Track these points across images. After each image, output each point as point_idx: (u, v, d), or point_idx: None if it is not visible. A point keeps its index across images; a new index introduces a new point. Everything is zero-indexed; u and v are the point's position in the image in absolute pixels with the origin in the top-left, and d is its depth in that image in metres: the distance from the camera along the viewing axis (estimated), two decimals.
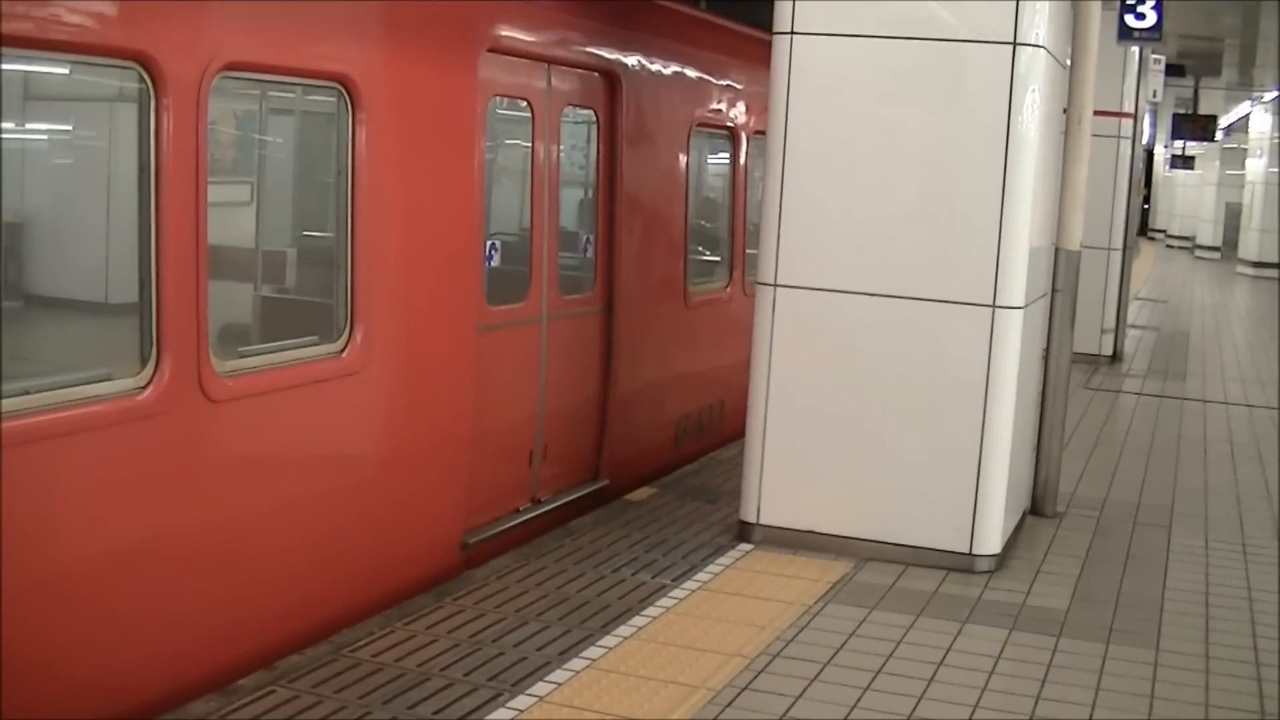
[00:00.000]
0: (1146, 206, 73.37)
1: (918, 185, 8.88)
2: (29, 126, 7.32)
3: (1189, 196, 60.56)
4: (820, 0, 8.96)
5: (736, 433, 9.49)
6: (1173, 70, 29.93)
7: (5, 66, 6.24)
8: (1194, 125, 37.14)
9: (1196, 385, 18.36)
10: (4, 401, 5.80)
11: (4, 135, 6.76)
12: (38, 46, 6.06)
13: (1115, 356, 20.10)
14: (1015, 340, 8.81)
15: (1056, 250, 10.30)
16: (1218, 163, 53.24)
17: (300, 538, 7.60)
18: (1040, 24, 8.75)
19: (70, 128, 7.69)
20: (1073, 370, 14.24)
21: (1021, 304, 8.81)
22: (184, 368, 6.58)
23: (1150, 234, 71.37)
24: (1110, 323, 19.96)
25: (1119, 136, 19.44)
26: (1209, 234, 53.62)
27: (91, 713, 6.28)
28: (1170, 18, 18.61)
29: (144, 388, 6.44)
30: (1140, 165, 23.27)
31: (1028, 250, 8.84)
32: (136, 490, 6.49)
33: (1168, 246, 62.82)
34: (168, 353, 6.50)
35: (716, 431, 12.96)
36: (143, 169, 6.50)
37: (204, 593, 6.95)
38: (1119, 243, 19.78)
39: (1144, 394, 17.26)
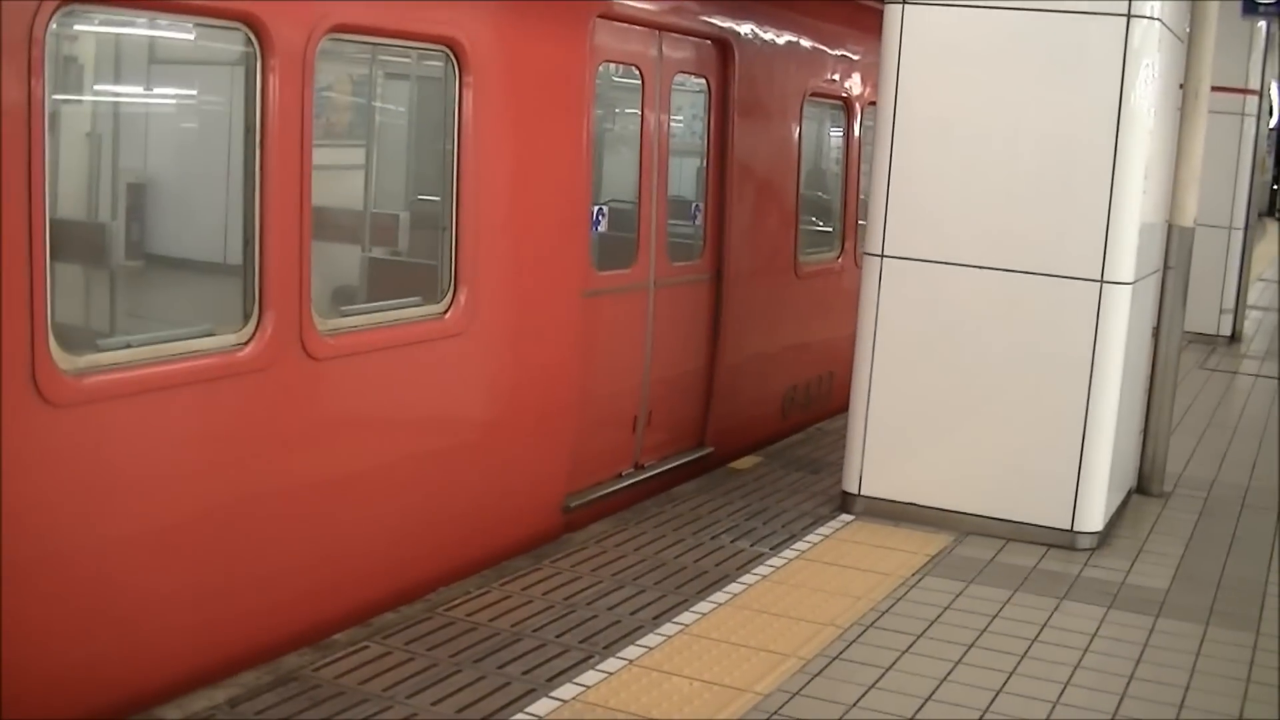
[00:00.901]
0: (1275, 187, 72.29)
1: (1027, 157, 8.80)
2: (154, 89, 7.43)
3: None
4: None
5: (845, 405, 9.46)
6: None
7: (128, 30, 6.37)
8: None
9: None
10: (104, 355, 5.92)
11: (127, 99, 6.89)
12: (148, 6, 6.14)
13: (1234, 337, 19.83)
14: (1123, 316, 8.72)
15: (1170, 226, 10.18)
16: None
17: (400, 497, 7.67)
18: None
19: (194, 91, 7.78)
20: (1189, 350, 14.11)
21: (1130, 280, 8.72)
22: (285, 325, 6.66)
23: (1278, 215, 70.30)
24: (1230, 303, 19.69)
25: (1243, 114, 19.16)
26: None
27: (190, 664, 6.38)
28: None
29: (245, 344, 6.52)
30: (1267, 144, 22.93)
31: (1138, 225, 8.75)
32: (238, 445, 6.58)
33: None
34: (270, 310, 6.58)
35: (825, 403, 12.94)
36: (249, 130, 6.58)
37: (303, 548, 7.03)
38: (1240, 222, 19.51)
39: (1261, 376, 17.02)
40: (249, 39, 6.46)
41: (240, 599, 6.68)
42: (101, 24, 6.49)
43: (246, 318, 6.57)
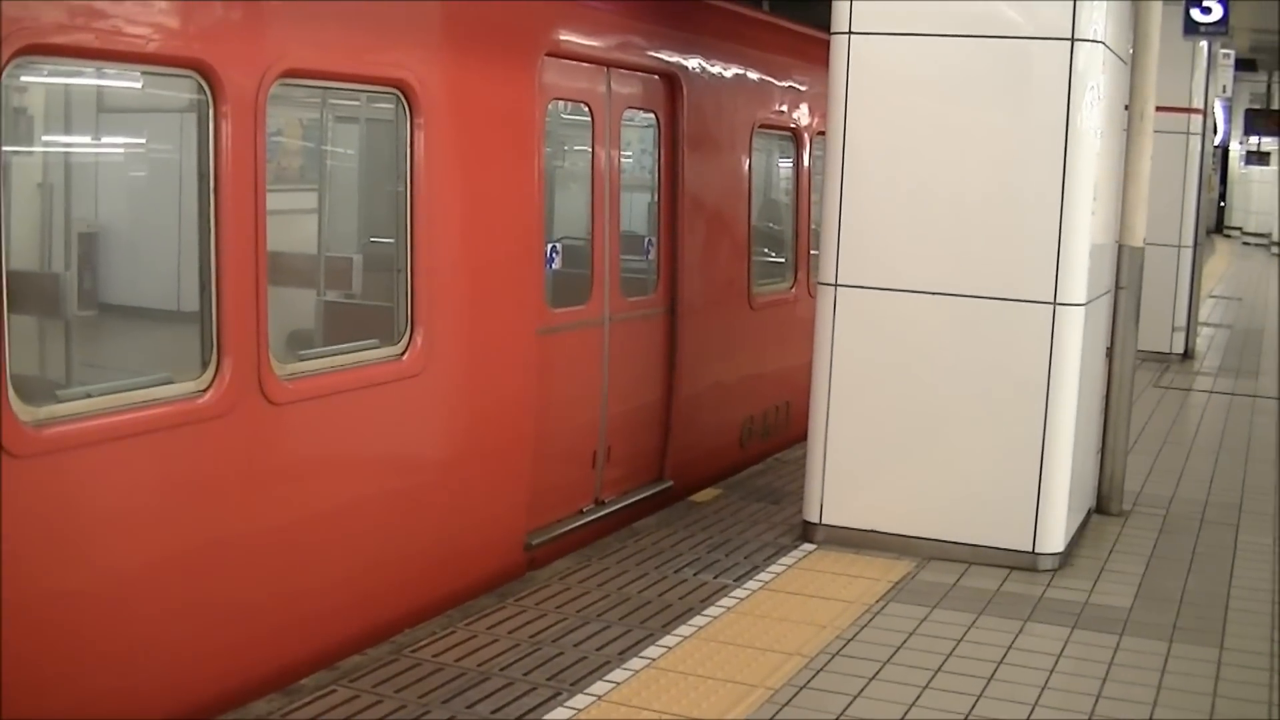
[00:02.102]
0: (1222, 204, 72.79)
1: (977, 183, 8.86)
2: (104, 138, 7.44)
3: (1265, 193, 59.89)
4: (876, 0, 8.96)
5: (803, 434, 9.49)
6: (1244, 65, 29.72)
7: (77, 80, 6.38)
8: (1268, 120, 36.85)
9: (1269, 383, 18.16)
10: (64, 405, 5.91)
11: (77, 148, 6.90)
12: (97, 57, 6.14)
13: (1187, 354, 19.93)
14: (1077, 337, 8.77)
15: (1120, 247, 10.25)
16: None
17: (362, 539, 7.67)
18: (1099, 19, 8.72)
19: (144, 139, 7.79)
20: (1143, 368, 14.19)
21: (1083, 301, 8.78)
22: (244, 371, 6.66)
23: (1226, 231, 70.76)
24: (1181, 320, 19.78)
25: (1188, 133, 19.29)
26: None
27: (155, 711, 6.35)
28: (1240, 12, 18.52)
29: (204, 390, 6.52)
30: (1211, 162, 23.09)
31: (1089, 247, 8.81)
32: (198, 492, 6.56)
33: (1244, 244, 62.18)
34: (228, 356, 6.58)
35: (782, 433, 12.96)
36: (203, 176, 6.58)
37: (268, 593, 7.02)
38: (1189, 240, 19.63)
39: (1215, 392, 17.12)
40: (200, 86, 6.47)
41: (205, 644, 6.66)
42: (50, 75, 6.49)
43: (205, 364, 6.57)
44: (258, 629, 6.98)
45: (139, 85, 6.95)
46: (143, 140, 7.81)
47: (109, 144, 7.66)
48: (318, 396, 7.28)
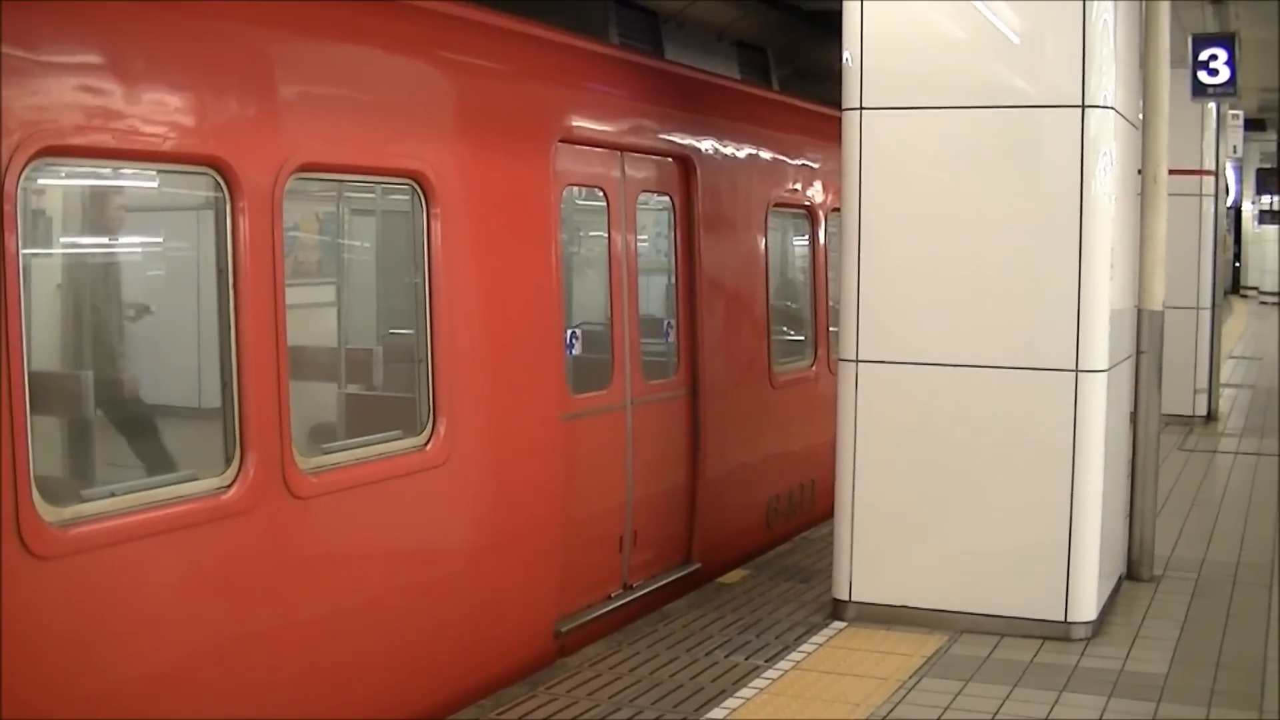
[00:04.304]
0: (1237, 264, 72.74)
1: (994, 253, 8.86)
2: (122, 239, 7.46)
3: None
4: (887, 74, 8.98)
5: (829, 511, 9.46)
6: (1253, 125, 29.75)
7: (93, 182, 6.42)
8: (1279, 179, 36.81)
9: None
10: (90, 505, 5.91)
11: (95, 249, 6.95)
12: (115, 157, 6.18)
13: (1210, 416, 19.85)
14: (1100, 404, 8.75)
15: (1140, 311, 10.23)
16: None
17: (391, 631, 7.64)
18: (1108, 85, 8.73)
19: (161, 238, 7.81)
20: (1166, 432, 14.11)
21: (1105, 367, 8.76)
22: (268, 466, 6.66)
23: (1243, 291, 70.68)
24: (1203, 382, 19.71)
25: (1200, 194, 19.30)
26: None
27: None
28: (1247, 72, 18.51)
29: (229, 486, 6.51)
30: (1226, 222, 23.10)
31: (1108, 313, 8.80)
32: (224, 589, 6.55)
33: (1261, 303, 62.10)
34: (251, 452, 6.58)
35: (808, 511, 12.92)
36: (221, 272, 6.60)
37: (296, 689, 6.98)
38: (1207, 301, 19.61)
39: (1240, 453, 17.05)
40: (217, 183, 6.50)
41: None
42: (68, 176, 6.52)
43: (228, 461, 6.57)
44: None
45: (156, 184, 6.99)
46: (160, 239, 7.83)
47: (127, 243, 7.68)
48: (342, 490, 7.27)
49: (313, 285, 8.61)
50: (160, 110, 6.24)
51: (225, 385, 6.62)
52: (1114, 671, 8.20)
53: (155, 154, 6.30)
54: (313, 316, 8.21)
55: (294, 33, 7.15)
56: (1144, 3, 10.08)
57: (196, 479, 6.52)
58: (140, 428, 7.31)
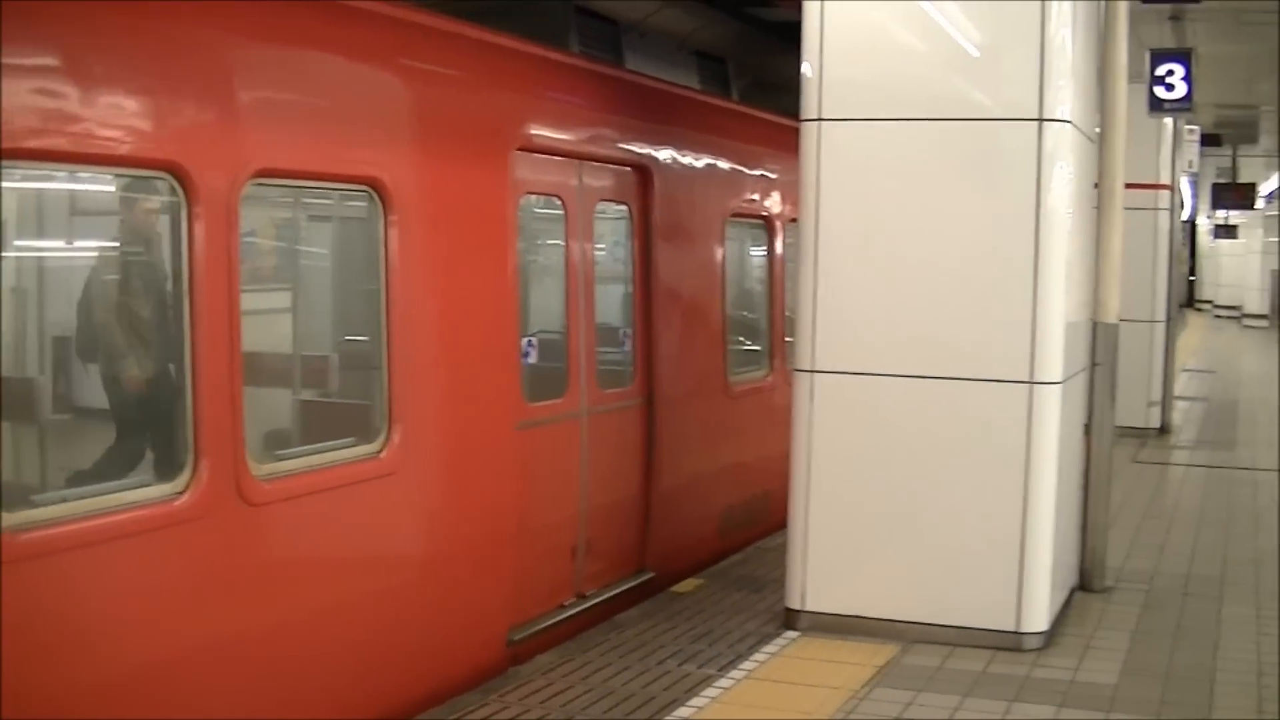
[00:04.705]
0: (1192, 278, 73.12)
1: (950, 265, 8.89)
2: (75, 242, 7.43)
3: (1234, 266, 60.34)
4: (846, 86, 9.01)
5: (783, 522, 9.47)
6: (1209, 140, 29.90)
7: (50, 185, 6.39)
8: (1234, 194, 37.02)
9: (1246, 454, 18.24)
10: (40, 510, 5.88)
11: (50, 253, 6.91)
12: (70, 161, 6.16)
13: (1163, 429, 19.97)
14: (1054, 416, 8.79)
15: (1095, 324, 10.28)
16: (1261, 230, 53.07)
17: (343, 639, 7.62)
18: (1065, 99, 8.78)
19: (117, 242, 7.77)
20: (1120, 444, 14.17)
21: (1059, 379, 8.80)
22: (221, 472, 6.64)
23: (1197, 305, 71.06)
24: (1157, 395, 19.83)
25: (1156, 209, 19.42)
26: (1256, 302, 53.47)
27: None
28: (1204, 88, 18.65)
29: (182, 493, 6.49)
30: (1181, 236, 23.23)
31: (1063, 325, 8.84)
32: (176, 596, 6.52)
33: (1215, 316, 62.51)
34: (205, 458, 6.56)
35: (763, 521, 12.92)
36: (176, 277, 6.58)
37: (249, 695, 6.96)
38: (1162, 315, 19.73)
39: (1193, 465, 17.16)
40: (173, 188, 6.48)
41: None
42: (22, 180, 6.49)
43: (181, 467, 6.54)
44: None
45: (112, 189, 6.96)
46: (116, 243, 7.79)
47: (82, 248, 7.64)
48: (295, 497, 7.25)
49: (269, 291, 8.58)
50: (117, 114, 6.22)
51: (179, 391, 6.59)
52: (1065, 682, 8.24)
53: (111, 158, 6.28)
54: (268, 323, 8.19)
55: (251, 37, 7.13)
56: (1102, 18, 10.14)
57: (149, 485, 6.49)
58: (94, 434, 7.28)
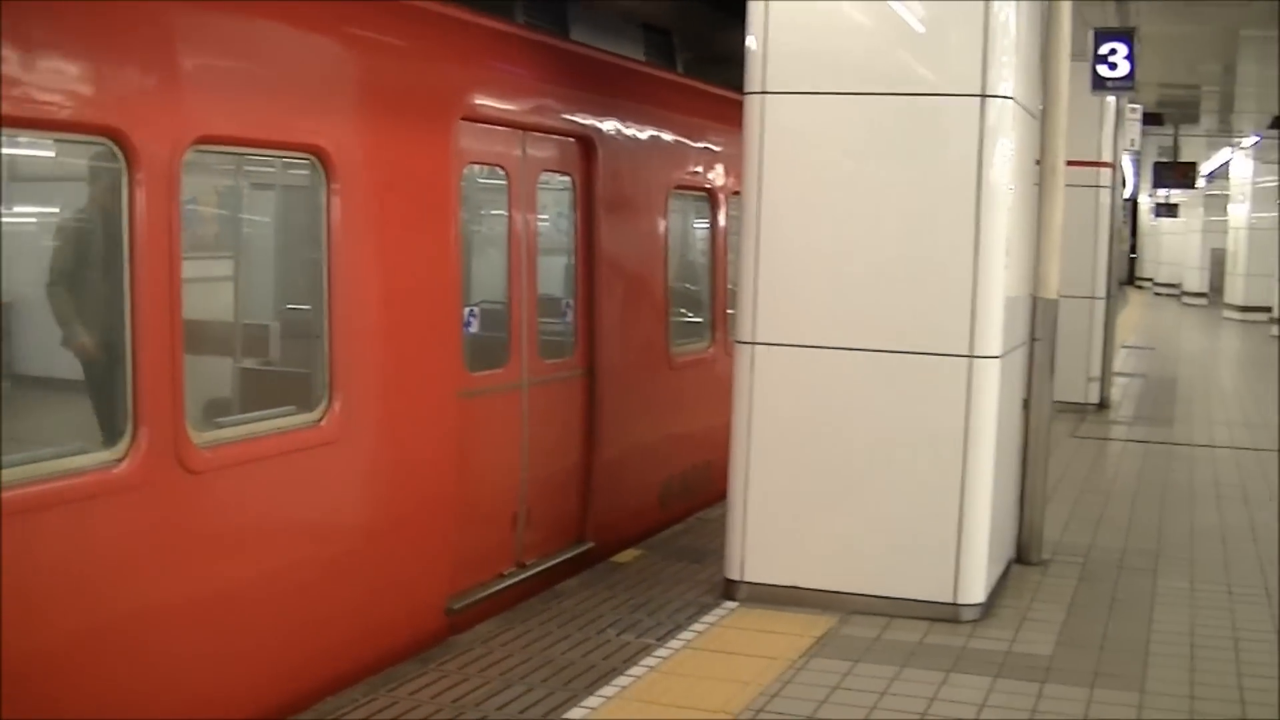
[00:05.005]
0: (1133, 256, 73.62)
1: (892, 239, 8.93)
2: (14, 208, 7.38)
3: (1174, 244, 60.77)
4: (790, 59, 9.03)
5: (723, 493, 9.50)
6: (1152, 119, 30.10)
7: None
8: (1175, 173, 37.23)
9: (1183, 430, 18.41)
10: None
11: None
12: (9, 125, 6.11)
13: (1102, 404, 20.14)
14: (993, 389, 8.84)
15: (1035, 299, 10.34)
16: (1201, 209, 53.45)
17: (282, 607, 7.62)
18: (1008, 76, 8.82)
19: (56, 208, 7.73)
20: (1059, 419, 14.29)
21: (998, 353, 8.85)
22: (161, 440, 6.62)
23: (1138, 282, 71.53)
24: (1096, 371, 19.99)
25: (1098, 186, 19.53)
26: (1196, 280, 53.89)
27: None
28: (1147, 67, 18.73)
29: (120, 460, 6.47)
30: (1121, 214, 23.35)
31: (1003, 300, 8.89)
32: (115, 563, 6.51)
33: (1155, 294, 62.95)
34: (144, 426, 6.54)
35: (704, 492, 12.95)
36: (117, 244, 6.55)
37: (189, 663, 6.96)
38: (1102, 291, 19.86)
39: (1131, 440, 17.30)
40: (114, 153, 6.45)
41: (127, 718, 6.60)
42: None
43: (120, 434, 6.52)
44: (178, 700, 6.91)
45: (52, 154, 6.93)
46: (56, 209, 7.75)
47: (20, 213, 7.60)
48: (236, 464, 7.24)
49: (210, 259, 8.56)
50: (57, 79, 6.18)
51: (119, 359, 6.57)
52: (1001, 653, 8.30)
53: (51, 123, 6.24)
54: (209, 290, 8.16)
55: (193, 3, 7.09)
56: None
57: (87, 453, 6.47)
58: (33, 401, 7.25)
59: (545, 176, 10.60)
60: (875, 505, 9.01)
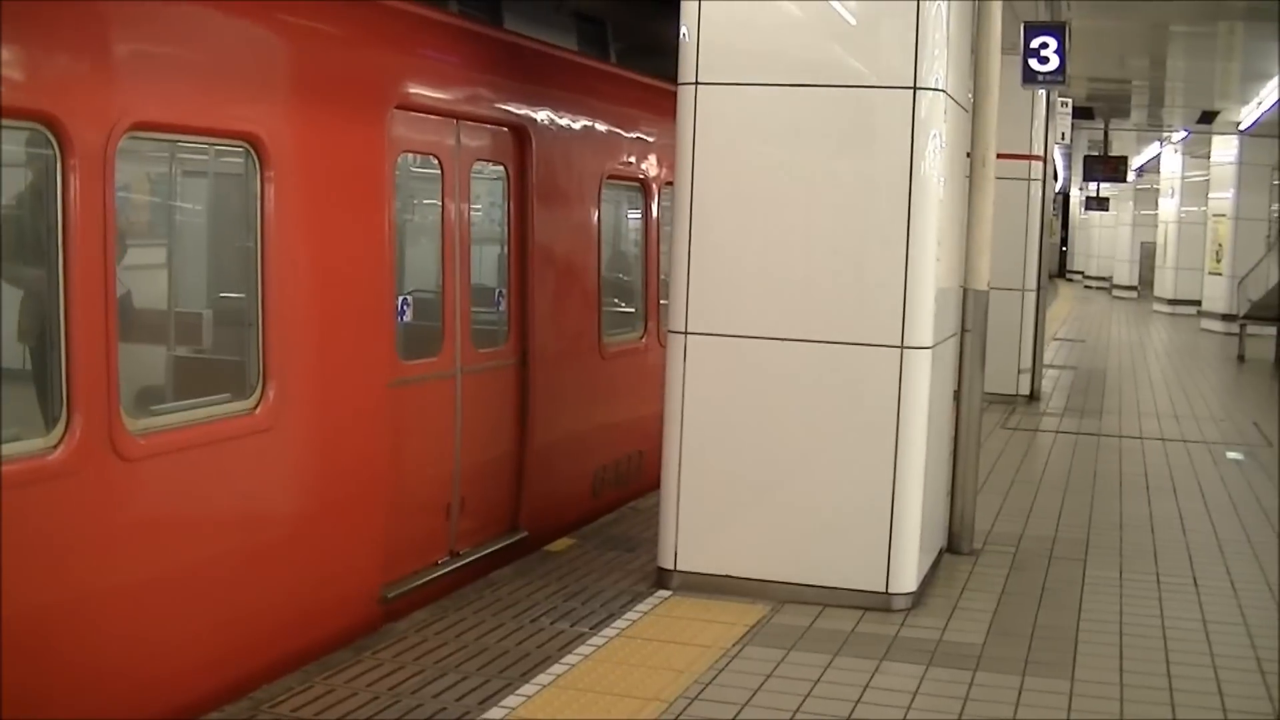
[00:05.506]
0: (1064, 249, 74.10)
1: (824, 230, 8.97)
2: None
3: (1105, 237, 61.23)
4: (723, 50, 9.06)
5: (656, 482, 9.54)
6: (1082, 113, 30.26)
7: None
8: (1105, 167, 37.41)
9: (1113, 422, 18.55)
10: None
11: None
12: None
13: (1033, 396, 20.26)
14: (924, 380, 8.90)
15: (965, 290, 10.41)
16: (1131, 204, 53.85)
17: (216, 595, 7.61)
18: (940, 69, 8.88)
19: None
20: (990, 410, 14.37)
21: (929, 344, 8.91)
22: (95, 427, 6.60)
23: (1069, 275, 71.98)
24: (1027, 363, 20.11)
25: (1029, 179, 19.64)
26: (1125, 274, 54.28)
27: None
28: (1078, 61, 18.87)
29: (54, 447, 6.45)
30: (1052, 207, 23.48)
31: (934, 291, 8.94)
32: (48, 550, 6.48)
33: (1086, 287, 63.37)
34: (78, 413, 6.52)
35: (636, 481, 13.00)
36: (50, 231, 6.52)
37: (121, 652, 6.95)
38: (1033, 283, 19.98)
39: (1061, 432, 17.41)
40: (47, 139, 6.42)
41: (58, 705, 6.57)
42: None
43: (54, 421, 6.50)
44: (112, 689, 6.90)
45: None
46: None
47: None
48: (170, 452, 7.23)
49: (143, 247, 8.53)
50: None
51: (52, 345, 6.55)
52: (933, 641, 8.37)
53: None
54: (143, 278, 8.13)
55: None
56: None
57: (19, 439, 6.45)
58: None
59: (479, 166, 10.60)
60: (808, 494, 9.05)
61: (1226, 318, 34.12)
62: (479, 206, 10.89)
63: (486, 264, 11.05)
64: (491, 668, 7.70)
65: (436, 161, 9.98)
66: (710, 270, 9.12)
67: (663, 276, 13.36)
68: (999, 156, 10.74)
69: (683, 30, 9.10)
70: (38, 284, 6.67)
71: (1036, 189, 19.90)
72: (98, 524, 6.77)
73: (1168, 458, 15.56)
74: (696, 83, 9.10)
